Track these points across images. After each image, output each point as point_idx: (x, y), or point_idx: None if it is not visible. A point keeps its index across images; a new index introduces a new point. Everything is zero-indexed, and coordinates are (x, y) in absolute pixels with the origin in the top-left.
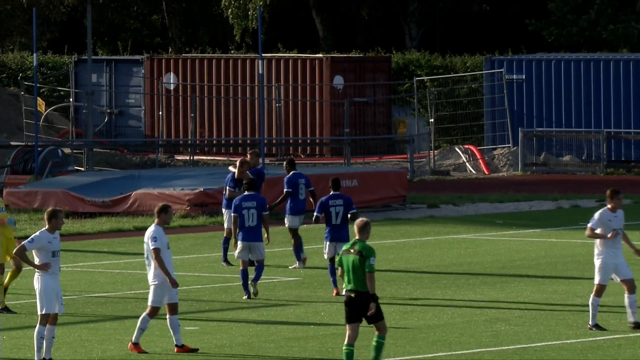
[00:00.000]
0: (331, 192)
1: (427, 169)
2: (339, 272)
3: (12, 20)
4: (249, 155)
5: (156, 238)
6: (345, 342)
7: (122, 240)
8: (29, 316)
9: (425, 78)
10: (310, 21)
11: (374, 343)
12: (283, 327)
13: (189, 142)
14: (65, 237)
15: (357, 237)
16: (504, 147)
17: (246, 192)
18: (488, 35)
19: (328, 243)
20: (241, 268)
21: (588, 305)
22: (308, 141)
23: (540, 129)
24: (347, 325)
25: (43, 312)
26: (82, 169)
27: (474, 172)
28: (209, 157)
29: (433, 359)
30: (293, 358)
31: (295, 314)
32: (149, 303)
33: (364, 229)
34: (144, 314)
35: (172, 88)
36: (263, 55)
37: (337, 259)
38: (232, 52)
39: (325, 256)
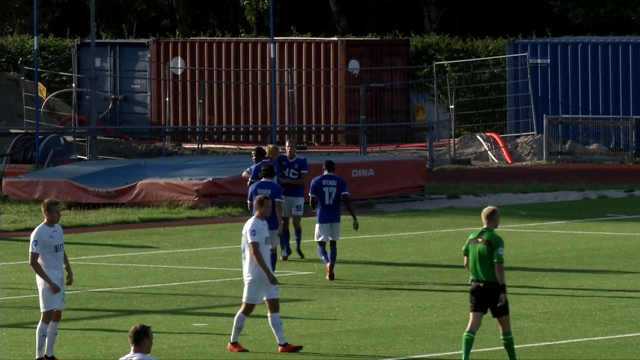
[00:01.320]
0: (325, 173)
1: (447, 157)
2: (464, 261)
3: (11, 1)
4: (270, 148)
5: (255, 232)
6: (467, 329)
7: (127, 233)
8: (29, 312)
9: (445, 62)
10: (324, 3)
11: (504, 341)
12: (295, 324)
13: (197, 129)
14: (67, 229)
15: (484, 226)
16: (528, 135)
17: (263, 179)
18: (511, 17)
19: (319, 224)
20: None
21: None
22: (322, 129)
23: (565, 115)
24: (471, 314)
25: (46, 310)
26: (85, 157)
27: (496, 161)
28: (218, 146)
29: (453, 357)
30: (306, 356)
31: (308, 310)
32: (244, 300)
33: (492, 217)
34: (239, 313)
35: (179, 73)
36: (275, 38)
37: (463, 247)
38: (242, 35)
39: (316, 239)
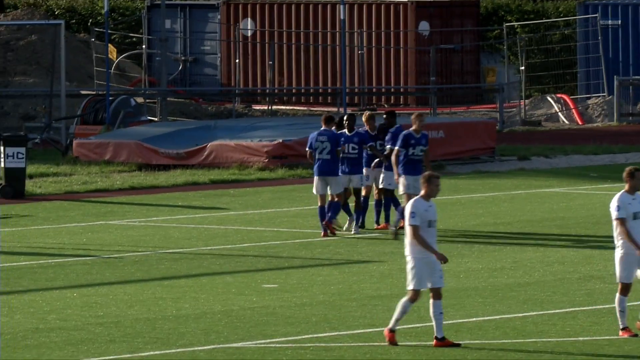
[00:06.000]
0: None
1: (518, 119)
2: None
3: None
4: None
5: (619, 207)
6: None
7: (197, 194)
8: (100, 273)
9: (515, 24)
10: None
11: None
12: (366, 285)
13: (267, 91)
14: (137, 191)
15: None
16: (599, 97)
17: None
18: None
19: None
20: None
21: None
22: (392, 90)
23: (637, 77)
24: None
25: (410, 287)
26: (156, 119)
27: (566, 122)
28: (288, 107)
29: (524, 318)
30: (377, 317)
31: (378, 271)
32: (619, 279)
33: None
34: (618, 295)
35: (249, 34)
36: (345, 0)
37: None
38: None
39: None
